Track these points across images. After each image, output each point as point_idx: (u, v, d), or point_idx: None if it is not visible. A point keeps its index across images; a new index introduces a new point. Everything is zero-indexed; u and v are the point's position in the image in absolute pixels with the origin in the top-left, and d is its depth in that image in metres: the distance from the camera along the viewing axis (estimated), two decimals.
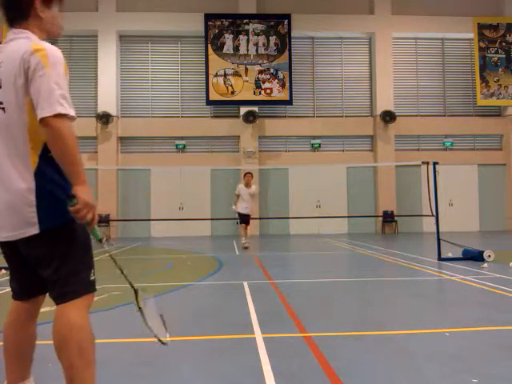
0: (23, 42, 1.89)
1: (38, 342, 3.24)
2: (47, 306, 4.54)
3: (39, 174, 1.86)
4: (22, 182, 1.84)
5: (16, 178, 1.84)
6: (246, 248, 10.62)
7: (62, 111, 1.78)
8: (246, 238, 10.83)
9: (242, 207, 10.63)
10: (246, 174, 10.80)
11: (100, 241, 1.98)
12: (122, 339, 3.45)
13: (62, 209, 1.84)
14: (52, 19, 2.03)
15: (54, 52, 1.86)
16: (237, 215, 10.84)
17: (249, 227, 10.93)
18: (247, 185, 10.68)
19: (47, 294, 2.06)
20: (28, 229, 1.85)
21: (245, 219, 10.68)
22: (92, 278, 2.02)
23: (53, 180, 1.88)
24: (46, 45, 1.88)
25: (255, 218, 16.55)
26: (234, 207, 10.80)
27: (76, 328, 1.87)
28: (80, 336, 1.87)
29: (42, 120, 1.77)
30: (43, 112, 1.77)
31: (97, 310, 4.46)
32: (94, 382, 1.92)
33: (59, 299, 1.92)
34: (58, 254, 1.90)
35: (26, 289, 2.07)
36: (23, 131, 1.85)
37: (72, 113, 1.83)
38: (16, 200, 1.84)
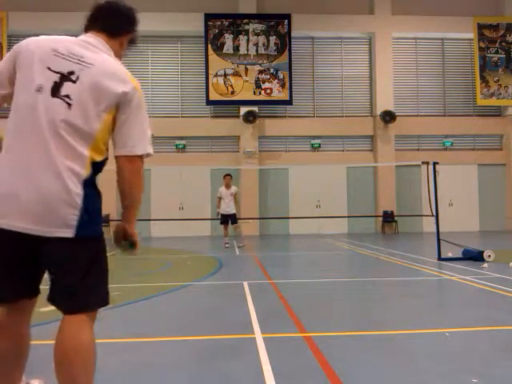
0: (116, 62, 1.99)
1: (41, 342, 3.16)
2: (43, 307, 4.53)
3: (89, 184, 1.86)
4: (72, 183, 1.79)
5: (67, 176, 1.78)
6: (227, 248, 10.91)
7: (151, 152, 1.93)
8: (227, 237, 11.19)
9: (224, 208, 10.97)
10: (225, 175, 11.20)
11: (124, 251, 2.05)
12: (122, 339, 3.45)
13: (99, 222, 1.92)
14: (122, 50, 2.18)
15: (141, 91, 1.97)
16: (219, 216, 11.17)
17: (237, 226, 11.20)
18: (227, 186, 11.05)
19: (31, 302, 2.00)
20: (64, 229, 1.78)
21: (227, 219, 11.01)
22: (107, 285, 1.98)
23: (93, 198, 1.89)
24: (138, 83, 1.98)
25: (255, 218, 16.58)
26: (217, 210, 11.17)
27: (86, 347, 1.84)
28: (89, 355, 1.84)
29: (133, 156, 1.89)
30: (135, 149, 1.89)
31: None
32: None
33: (77, 309, 1.84)
34: (87, 263, 1.85)
35: (18, 289, 1.89)
36: (88, 137, 1.84)
37: (151, 151, 1.95)
38: (60, 196, 1.77)
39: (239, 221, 11.33)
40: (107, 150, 1.95)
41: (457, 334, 3.45)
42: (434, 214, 8.15)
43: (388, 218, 17.45)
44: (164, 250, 11.52)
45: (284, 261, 9.07)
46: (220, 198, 11.06)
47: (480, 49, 18.30)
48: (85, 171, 1.83)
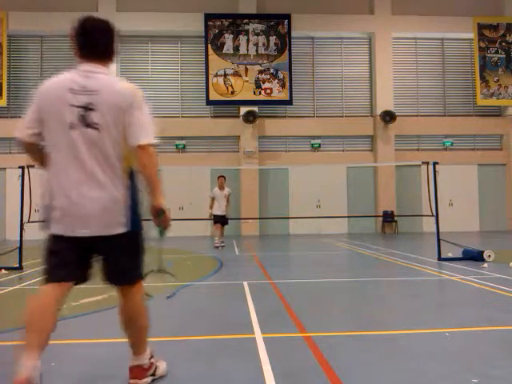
0: (116, 80, 2.42)
1: None
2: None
3: (129, 188, 2.39)
4: (117, 192, 2.32)
5: (112, 188, 2.31)
6: (217, 248, 10.98)
7: (153, 142, 2.37)
8: (220, 237, 11.23)
9: (218, 209, 11.00)
10: (219, 177, 11.26)
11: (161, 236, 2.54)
12: (122, 339, 3.45)
13: (140, 219, 2.46)
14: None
15: (140, 92, 2.41)
16: (212, 217, 11.21)
17: (226, 227, 11.35)
18: (221, 187, 11.08)
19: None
20: (118, 228, 2.33)
21: (221, 220, 11.05)
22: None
23: (133, 198, 2.42)
24: (137, 87, 2.42)
25: (255, 218, 16.58)
26: (210, 210, 11.16)
27: (141, 306, 2.54)
28: (144, 312, 2.56)
29: (141, 145, 2.31)
30: (142, 138, 2.32)
31: (97, 309, 4.47)
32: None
33: (128, 281, 2.48)
34: (133, 250, 2.47)
35: (76, 275, 2.41)
36: (118, 151, 2.33)
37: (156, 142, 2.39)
38: (112, 204, 2.30)
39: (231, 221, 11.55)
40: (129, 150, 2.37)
41: (457, 334, 3.45)
42: (434, 213, 8.15)
43: (388, 217, 17.45)
44: (164, 250, 11.49)
45: (284, 261, 9.08)
46: (213, 199, 11.07)
47: (480, 49, 18.30)
48: (124, 180, 2.35)
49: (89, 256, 2.43)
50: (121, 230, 2.33)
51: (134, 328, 2.53)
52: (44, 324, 2.26)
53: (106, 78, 2.37)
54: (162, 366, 2.69)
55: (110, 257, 2.42)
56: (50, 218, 2.37)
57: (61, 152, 2.30)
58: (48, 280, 2.35)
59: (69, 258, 2.35)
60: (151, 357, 2.65)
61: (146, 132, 2.35)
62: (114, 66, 17.48)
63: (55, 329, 2.30)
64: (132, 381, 2.54)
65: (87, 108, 2.28)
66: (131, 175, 2.42)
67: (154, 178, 2.36)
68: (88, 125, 2.28)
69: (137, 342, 2.56)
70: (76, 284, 2.43)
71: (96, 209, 2.27)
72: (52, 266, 2.36)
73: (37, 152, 2.45)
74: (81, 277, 2.44)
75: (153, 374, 2.62)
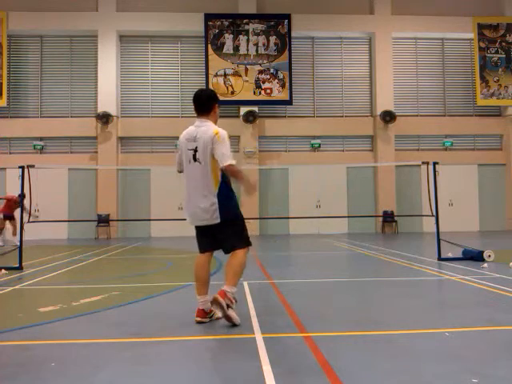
0: (209, 127, 3.84)
1: (40, 342, 3.29)
2: (43, 307, 4.53)
3: (218, 196, 3.77)
4: (211, 200, 3.77)
5: (208, 197, 3.78)
6: None
7: (232, 162, 3.69)
8: None
9: None
10: None
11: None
12: (122, 339, 3.45)
13: (233, 211, 3.85)
14: (217, 114, 4.04)
15: (223, 132, 3.79)
16: None
17: None
18: None
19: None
20: (216, 220, 3.78)
21: None
22: (248, 236, 3.96)
23: (223, 200, 3.79)
24: (219, 129, 3.82)
25: (255, 218, 16.57)
26: None
27: (243, 260, 3.86)
28: (243, 264, 3.87)
29: (224, 167, 3.69)
30: (223, 163, 3.68)
31: (97, 309, 4.47)
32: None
33: (235, 248, 3.87)
34: (230, 230, 3.86)
35: (212, 247, 4.00)
36: (210, 174, 3.78)
37: (234, 162, 3.71)
38: (209, 207, 3.77)
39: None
40: (219, 170, 3.77)
41: (457, 334, 3.45)
42: (434, 214, 8.15)
43: (388, 217, 17.46)
44: (164, 250, 11.52)
45: (284, 261, 9.08)
46: None
47: (480, 49, 18.31)
48: (214, 190, 3.78)
49: (213, 235, 3.92)
50: (217, 221, 3.78)
51: (233, 267, 3.80)
52: (202, 276, 3.96)
53: (204, 129, 3.82)
54: (235, 315, 3.71)
55: (219, 236, 3.91)
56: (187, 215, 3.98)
57: (187, 176, 3.92)
58: (200, 251, 4.05)
59: (205, 238, 3.99)
60: (235, 299, 3.74)
61: (226, 158, 3.68)
62: (114, 66, 17.52)
63: (209, 279, 3.99)
64: (215, 295, 3.63)
65: (194, 150, 3.82)
66: (221, 185, 3.79)
67: (238, 179, 3.75)
68: (196, 160, 3.82)
69: (231, 275, 3.77)
70: (213, 250, 4.03)
71: (202, 210, 3.80)
72: (199, 243, 4.06)
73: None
74: (214, 247, 4.00)
75: (228, 306, 3.64)
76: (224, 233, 3.84)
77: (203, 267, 3.97)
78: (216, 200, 3.74)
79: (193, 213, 3.87)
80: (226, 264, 3.88)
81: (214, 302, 3.62)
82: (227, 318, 3.66)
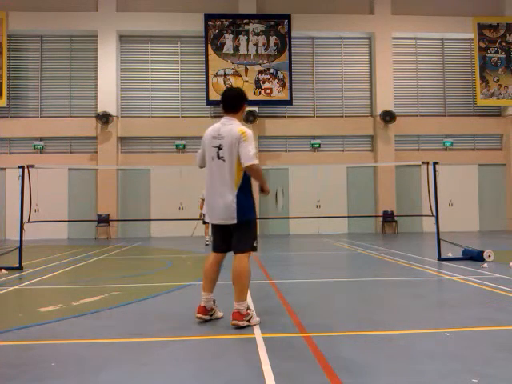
0: (235, 126, 3.83)
1: (40, 342, 3.28)
2: (43, 307, 4.53)
3: (237, 196, 3.79)
4: (230, 198, 3.77)
5: (227, 196, 3.77)
6: (208, 245, 11.60)
7: (256, 162, 3.75)
8: (209, 236, 11.78)
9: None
10: None
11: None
12: (122, 339, 3.45)
13: (249, 213, 3.87)
14: (243, 112, 4.07)
15: (249, 132, 3.83)
16: (203, 216, 11.32)
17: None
18: None
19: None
20: (233, 220, 3.78)
21: None
22: (255, 244, 3.92)
23: (242, 200, 3.81)
24: (245, 128, 3.85)
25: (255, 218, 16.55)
26: (200, 211, 11.57)
27: (245, 268, 3.79)
28: (246, 272, 3.79)
29: (247, 166, 3.73)
30: (245, 163, 3.73)
31: (97, 309, 4.47)
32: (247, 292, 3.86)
33: (239, 251, 3.83)
34: (242, 232, 3.85)
35: (225, 247, 3.98)
36: (232, 173, 3.78)
37: (257, 162, 3.78)
38: (228, 206, 3.77)
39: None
40: (241, 170, 3.80)
41: (457, 334, 3.45)
42: (434, 214, 8.15)
43: (388, 217, 17.45)
44: (164, 250, 11.52)
45: (284, 261, 9.07)
46: (203, 200, 11.12)
47: (480, 49, 18.31)
48: (234, 189, 3.78)
49: (225, 235, 3.95)
50: (234, 221, 3.78)
51: (239, 281, 3.73)
52: (209, 274, 3.94)
53: (230, 127, 3.82)
54: (256, 319, 3.80)
55: (234, 236, 3.89)
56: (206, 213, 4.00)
57: (209, 173, 3.90)
58: (212, 249, 4.06)
59: (218, 237, 4.02)
60: (248, 308, 3.78)
61: (250, 157, 3.72)
62: (113, 66, 17.52)
63: (217, 279, 3.97)
64: (233, 321, 3.67)
65: (219, 147, 3.82)
66: (242, 184, 3.82)
67: (259, 179, 3.86)
68: (219, 158, 3.81)
69: (238, 292, 3.71)
70: (224, 253, 4.02)
71: (221, 209, 3.80)
72: (213, 241, 4.07)
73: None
74: (224, 248, 3.99)
75: (248, 321, 3.71)
76: (236, 234, 3.86)
77: (211, 266, 3.96)
78: (235, 199, 3.75)
79: (211, 209, 3.87)
80: (231, 271, 3.80)
81: (235, 326, 3.66)
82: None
